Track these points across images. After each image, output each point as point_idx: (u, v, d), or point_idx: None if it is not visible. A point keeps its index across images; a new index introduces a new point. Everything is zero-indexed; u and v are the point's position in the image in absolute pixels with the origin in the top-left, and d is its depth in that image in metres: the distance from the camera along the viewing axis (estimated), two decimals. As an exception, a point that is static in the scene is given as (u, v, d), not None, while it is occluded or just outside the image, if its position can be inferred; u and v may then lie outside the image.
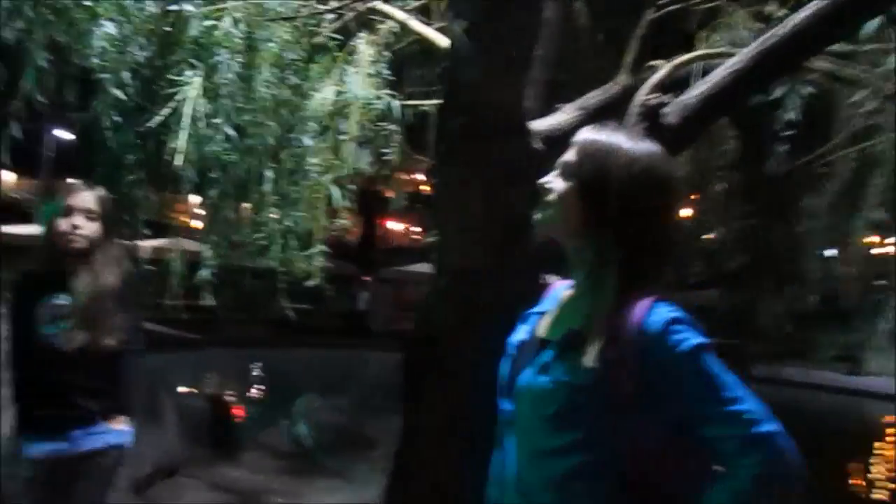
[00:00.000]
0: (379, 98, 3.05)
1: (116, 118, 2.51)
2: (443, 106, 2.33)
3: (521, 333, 1.32)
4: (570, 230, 1.23)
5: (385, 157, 3.30)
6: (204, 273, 2.61)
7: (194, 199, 2.89)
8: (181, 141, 2.14)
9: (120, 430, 2.41)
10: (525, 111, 2.17)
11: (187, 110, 2.16)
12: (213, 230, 2.74)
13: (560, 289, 1.33)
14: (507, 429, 1.25)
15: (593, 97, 2.48)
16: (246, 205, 2.83)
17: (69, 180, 2.36)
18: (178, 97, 2.19)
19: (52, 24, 2.23)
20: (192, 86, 2.18)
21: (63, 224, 2.31)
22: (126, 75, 2.51)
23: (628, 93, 2.39)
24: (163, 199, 2.94)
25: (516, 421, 1.23)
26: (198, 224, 2.83)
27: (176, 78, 2.24)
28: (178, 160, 2.16)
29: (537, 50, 2.29)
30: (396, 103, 3.02)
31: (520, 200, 1.89)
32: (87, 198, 2.35)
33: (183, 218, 2.82)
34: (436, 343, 2.46)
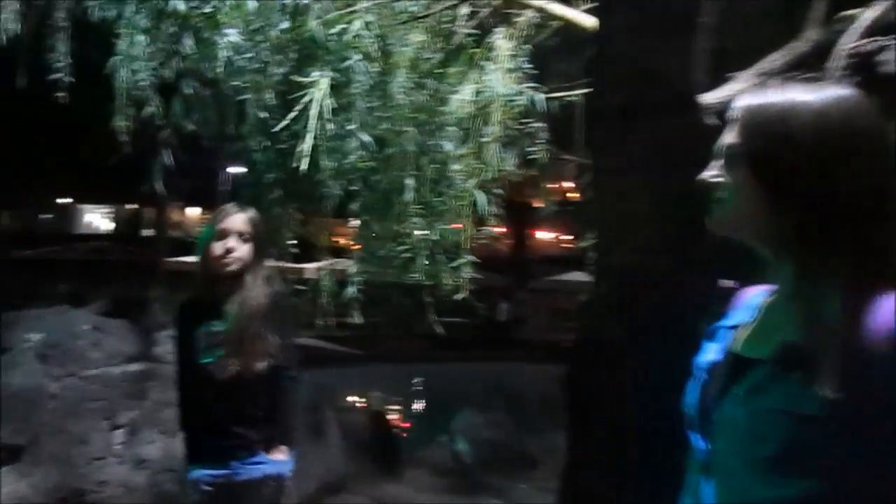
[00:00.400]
0: (521, 93, 2.84)
1: (260, 137, 2.51)
2: (595, 85, 2.06)
3: (711, 352, 1.01)
4: (758, 226, 0.91)
5: (531, 157, 3.07)
6: (350, 291, 2.51)
7: (340, 216, 2.82)
8: (306, 144, 2.04)
9: (279, 460, 2.34)
10: (694, 82, 1.84)
11: (313, 112, 2.06)
12: (358, 246, 2.64)
13: (756, 295, 1.01)
14: (701, 472, 0.95)
15: (775, 59, 2.08)
16: (389, 218, 2.71)
17: (224, 206, 2.33)
18: (304, 100, 2.10)
19: (175, 35, 2.23)
20: (318, 86, 2.08)
21: (217, 248, 2.29)
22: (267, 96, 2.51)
23: (820, 50, 1.98)
24: (308, 217, 2.91)
25: (714, 463, 0.94)
26: (344, 241, 2.75)
27: (302, 79, 2.16)
28: (304, 164, 2.06)
29: (700, 14, 1.97)
30: (540, 96, 2.79)
31: (693, 187, 1.57)
32: (238, 220, 2.32)
33: (330, 236, 2.76)
34: (600, 358, 2.18)
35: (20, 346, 4.02)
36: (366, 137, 2.33)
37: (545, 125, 3.05)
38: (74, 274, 18.42)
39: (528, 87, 2.82)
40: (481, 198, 2.89)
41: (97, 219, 38.24)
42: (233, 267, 2.28)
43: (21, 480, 3.32)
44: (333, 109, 2.22)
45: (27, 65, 3.51)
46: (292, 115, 2.13)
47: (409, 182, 2.58)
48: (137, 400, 3.87)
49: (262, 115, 2.67)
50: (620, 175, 1.90)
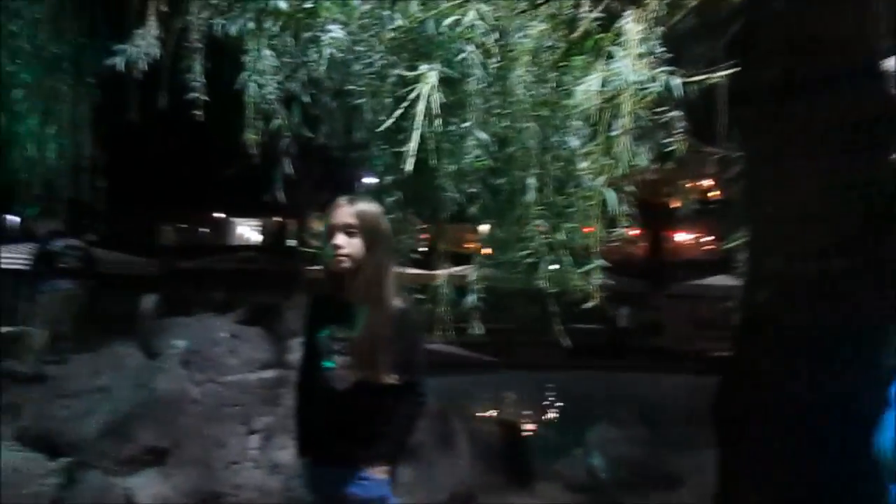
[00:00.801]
0: (654, 79, 2.57)
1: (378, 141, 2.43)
2: (744, 63, 1.77)
3: None
4: None
5: (667, 151, 2.78)
6: (471, 299, 2.36)
7: (459, 221, 2.68)
8: (412, 144, 1.91)
9: (379, 480, 2.21)
10: (872, 47, 1.52)
11: (420, 108, 1.93)
12: (479, 251, 2.50)
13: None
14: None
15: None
16: (511, 221, 2.54)
17: (338, 199, 2.19)
18: (410, 96, 1.97)
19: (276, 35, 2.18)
20: (425, 80, 1.95)
21: (329, 245, 2.16)
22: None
23: None
24: (427, 223, 2.80)
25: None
26: (465, 247, 2.61)
27: (408, 73, 2.04)
28: (409, 165, 1.93)
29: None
30: (677, 81, 2.50)
31: (877, 169, 1.27)
32: (343, 213, 2.16)
33: (450, 242, 2.62)
34: (756, 373, 1.88)
35: (167, 352, 4.25)
36: (483, 135, 2.17)
37: (682, 114, 2.76)
38: (225, 283, 19.80)
39: (662, 73, 2.54)
40: (611, 197, 2.65)
41: (248, 231, 41.10)
42: (344, 264, 2.15)
43: (164, 482, 3.48)
44: (449, 107, 2.09)
45: (168, 87, 3.69)
46: (398, 112, 2.01)
47: (532, 182, 2.40)
48: (271, 406, 3.96)
49: (376, 117, 2.60)
50: (776, 162, 1.61)
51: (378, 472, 2.24)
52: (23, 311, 6.56)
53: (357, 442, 2.21)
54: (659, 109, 2.68)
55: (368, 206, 2.23)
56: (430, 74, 1.94)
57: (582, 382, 12.94)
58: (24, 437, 4.40)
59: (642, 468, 6.35)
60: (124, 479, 3.48)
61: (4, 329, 6.60)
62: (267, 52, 3.39)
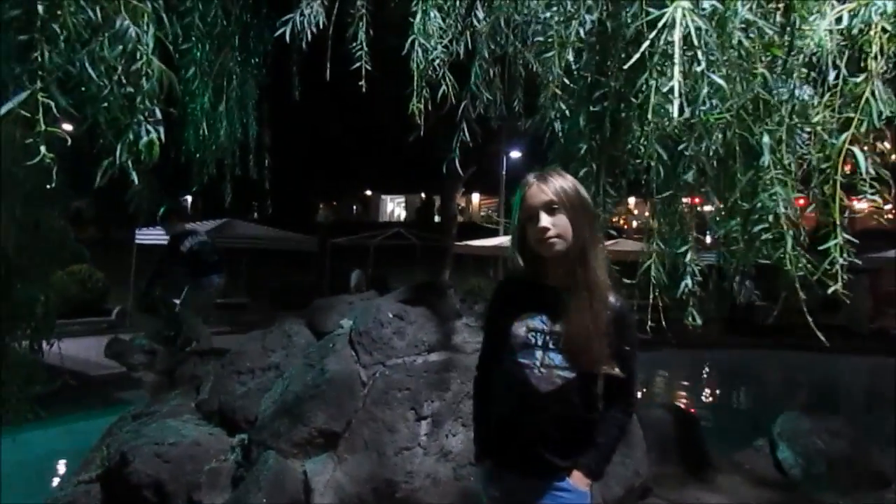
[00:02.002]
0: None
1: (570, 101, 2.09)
2: None
3: None
4: None
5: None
6: (687, 282, 1.97)
7: (662, 190, 2.27)
8: (675, 86, 1.51)
9: (580, 492, 1.93)
10: None
11: (676, 36, 1.51)
12: (691, 227, 2.09)
13: None
14: None
15: None
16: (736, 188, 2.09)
17: (528, 177, 1.94)
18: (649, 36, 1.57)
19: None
20: (677, 5, 1.53)
21: (531, 229, 1.91)
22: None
23: None
24: (623, 194, 2.42)
25: None
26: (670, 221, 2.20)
27: (652, 10, 1.64)
28: (675, 112, 1.53)
29: None
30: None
31: None
32: (541, 190, 1.90)
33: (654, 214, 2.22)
34: None
35: (335, 331, 4.20)
36: (719, 80, 1.74)
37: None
38: (377, 259, 20.44)
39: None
40: (859, 157, 2.12)
41: (395, 207, 42.41)
42: (558, 247, 1.87)
43: (337, 468, 3.41)
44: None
45: (334, 57, 3.57)
46: (634, 58, 1.63)
47: (766, 140, 1.94)
48: (439, 391, 3.78)
49: (559, 78, 2.25)
50: None
51: (580, 484, 1.94)
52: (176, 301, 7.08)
53: (559, 449, 1.91)
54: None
55: (566, 181, 1.91)
56: (681, 3, 1.52)
57: (753, 362, 11.85)
58: (202, 410, 4.57)
59: (842, 464, 5.60)
60: (301, 463, 3.45)
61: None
62: (434, 13, 3.15)
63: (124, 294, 14.57)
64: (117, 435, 4.52)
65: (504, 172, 21.49)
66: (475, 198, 39.98)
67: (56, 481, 5.20)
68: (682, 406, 7.95)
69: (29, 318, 3.27)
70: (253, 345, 4.61)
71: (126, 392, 7.28)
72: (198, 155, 4.72)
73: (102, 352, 6.80)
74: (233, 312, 15.18)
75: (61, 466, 5.77)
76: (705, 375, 10.93)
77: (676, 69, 1.49)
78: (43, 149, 1.77)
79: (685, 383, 10.27)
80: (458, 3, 3.40)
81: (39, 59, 1.78)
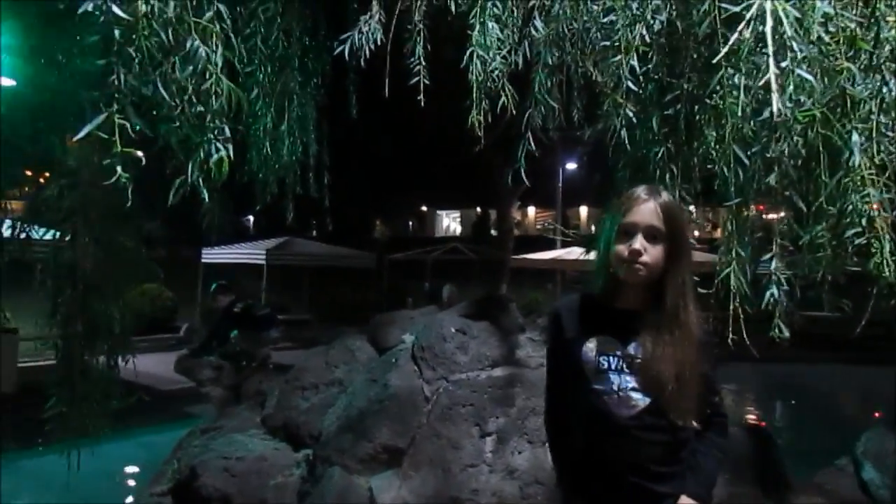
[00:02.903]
0: None
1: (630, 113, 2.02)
2: None
3: None
4: None
5: None
6: (773, 293, 1.86)
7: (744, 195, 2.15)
8: (771, 80, 1.41)
9: None
10: None
11: (768, 26, 1.42)
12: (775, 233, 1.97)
13: None
14: None
15: None
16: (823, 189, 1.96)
17: (633, 190, 1.80)
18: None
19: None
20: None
21: (620, 247, 1.77)
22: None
23: None
24: (701, 202, 2.31)
25: None
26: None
27: (727, 6, 1.55)
28: (776, 106, 1.44)
29: None
30: None
31: None
32: (648, 211, 1.75)
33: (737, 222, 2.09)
34: None
35: (397, 346, 4.19)
36: (807, 75, 1.64)
37: None
38: (434, 274, 20.48)
39: None
40: None
41: (451, 222, 42.54)
42: (641, 273, 1.75)
43: (403, 484, 3.37)
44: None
45: (390, 73, 3.58)
46: (723, 52, 1.54)
47: (856, 138, 1.82)
48: (504, 406, 3.71)
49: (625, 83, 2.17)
50: None
51: None
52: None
53: (653, 474, 1.79)
54: None
55: (674, 205, 1.80)
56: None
57: (829, 377, 11.29)
58: (268, 424, 4.62)
59: (935, 488, 5.23)
60: (366, 479, 3.43)
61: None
62: (492, 24, 3.13)
63: (192, 310, 15.02)
64: (187, 449, 4.61)
65: (560, 185, 21.27)
66: (531, 211, 39.73)
67: (131, 494, 5.35)
68: (759, 425, 7.61)
69: (106, 335, 3.38)
70: (316, 360, 4.65)
71: (195, 407, 7.46)
72: (261, 175, 4.82)
73: (172, 367, 7.00)
74: (294, 328, 15.45)
75: (136, 479, 5.93)
76: (784, 391, 10.46)
77: (771, 62, 1.40)
78: (119, 169, 1.81)
79: (763, 400, 9.85)
80: (516, 12, 3.37)
81: (116, 83, 1.82)
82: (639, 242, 1.72)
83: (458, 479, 3.43)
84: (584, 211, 37.23)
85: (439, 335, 3.89)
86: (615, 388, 1.78)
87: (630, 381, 1.77)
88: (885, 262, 1.79)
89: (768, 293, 1.85)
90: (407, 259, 21.85)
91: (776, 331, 1.85)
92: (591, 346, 1.82)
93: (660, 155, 2.10)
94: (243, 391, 6.02)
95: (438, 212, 42.06)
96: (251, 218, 33.68)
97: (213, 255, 16.37)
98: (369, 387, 3.86)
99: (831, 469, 5.80)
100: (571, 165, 22.42)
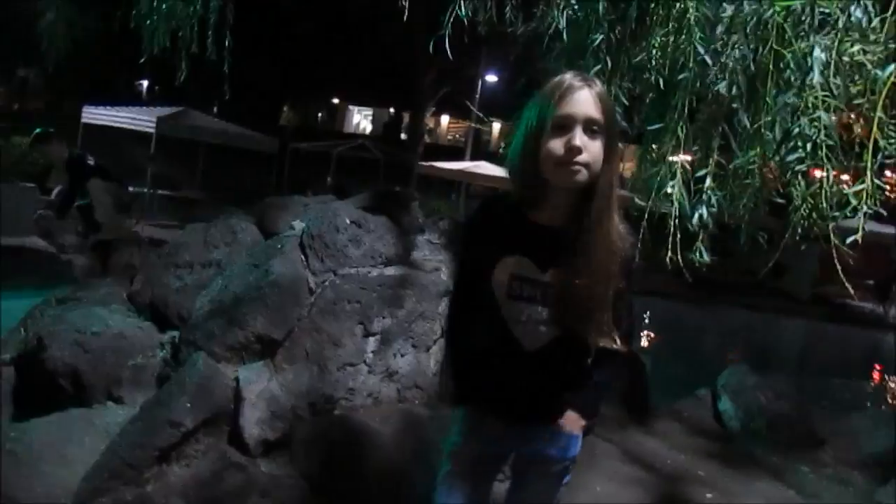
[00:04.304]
0: None
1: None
2: None
3: None
4: None
5: None
6: (704, 211, 1.69)
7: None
8: None
9: (571, 436, 1.73)
10: None
11: None
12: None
13: None
14: None
15: None
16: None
17: (566, 76, 1.50)
18: None
19: None
20: None
21: (555, 144, 1.49)
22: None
23: None
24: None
25: None
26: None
27: None
28: None
29: None
30: None
31: None
32: (587, 99, 1.47)
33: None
34: None
35: (285, 232, 3.86)
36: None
37: None
38: (338, 169, 19.84)
39: None
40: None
41: (362, 119, 41.23)
42: (580, 177, 1.49)
43: (273, 377, 3.14)
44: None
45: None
46: None
47: (818, 54, 1.62)
48: (392, 307, 3.51)
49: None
50: None
51: (572, 425, 1.71)
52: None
53: (548, 400, 1.67)
54: None
55: (607, 94, 1.54)
56: None
57: (698, 315, 12.00)
58: (134, 302, 4.23)
59: (782, 422, 5.64)
60: (233, 368, 3.16)
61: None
62: None
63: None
64: (38, 318, 4.15)
65: (478, 97, 20.82)
66: (444, 119, 39.11)
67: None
68: (634, 352, 7.94)
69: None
70: (194, 237, 4.24)
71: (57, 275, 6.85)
72: (149, 22, 4.23)
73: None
74: (184, 206, 14.58)
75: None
76: (655, 324, 11.03)
77: None
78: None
79: (639, 329, 10.31)
80: None
81: None
82: (578, 138, 1.46)
83: (334, 377, 3.23)
84: (496, 126, 37.05)
85: (332, 225, 3.59)
86: (524, 318, 1.60)
87: (542, 313, 1.59)
88: (824, 192, 1.65)
89: (697, 213, 1.68)
90: (312, 150, 21.02)
91: (697, 255, 1.69)
92: (504, 268, 1.60)
93: (599, 42, 1.83)
94: (111, 263, 5.52)
95: (350, 107, 40.60)
96: (145, 83, 31.14)
97: (96, 115, 14.92)
98: (249, 271, 3.54)
99: (692, 398, 6.14)
100: (492, 78, 21.94)
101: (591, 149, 1.47)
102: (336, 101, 39.48)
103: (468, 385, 1.76)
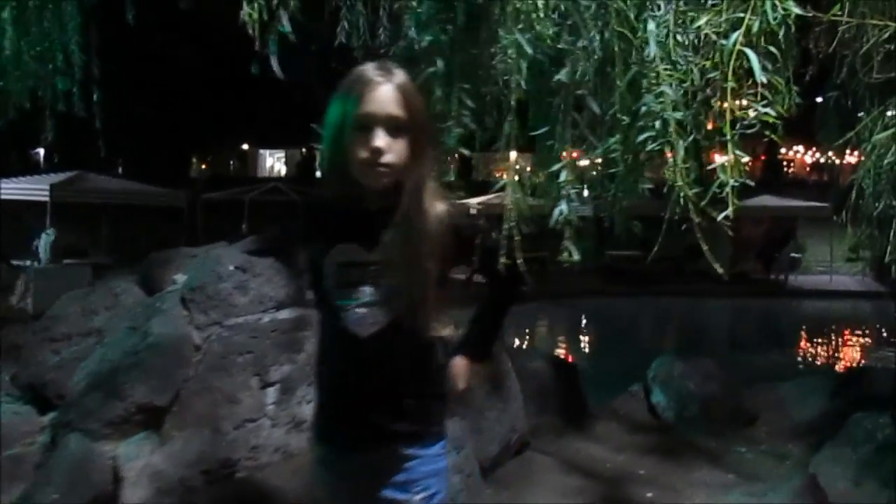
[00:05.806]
0: None
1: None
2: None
3: None
4: None
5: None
6: (564, 208, 1.58)
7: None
8: None
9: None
10: None
11: None
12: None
13: None
14: None
15: None
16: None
17: (365, 69, 1.42)
18: None
19: None
20: None
21: (358, 145, 1.41)
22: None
23: None
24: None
25: None
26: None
27: None
28: None
29: None
30: None
31: None
32: (387, 96, 1.39)
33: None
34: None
35: (166, 288, 3.58)
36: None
37: None
38: (252, 214, 19.32)
39: None
40: (752, 58, 1.79)
41: (275, 162, 40.60)
42: (385, 180, 1.42)
43: (160, 449, 2.85)
44: None
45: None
46: None
47: (652, 27, 1.55)
48: (290, 352, 3.28)
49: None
50: None
51: (462, 372, 1.62)
52: None
53: (393, 407, 1.51)
54: None
55: (412, 86, 1.45)
56: None
57: (632, 310, 12.17)
58: (15, 383, 3.85)
59: (714, 405, 5.66)
60: (113, 446, 2.85)
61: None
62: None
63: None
64: None
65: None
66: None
67: None
68: (561, 357, 7.90)
69: None
70: (72, 307, 3.90)
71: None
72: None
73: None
74: (95, 273, 13.80)
75: None
76: (583, 325, 11.09)
77: None
78: None
79: (563, 334, 10.32)
80: None
81: None
82: (380, 139, 1.38)
83: (231, 438, 2.97)
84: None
85: (214, 274, 3.34)
86: (354, 303, 1.49)
87: (371, 294, 1.48)
88: (677, 169, 1.57)
89: (557, 210, 1.57)
90: (224, 199, 20.41)
91: (567, 254, 1.57)
92: (331, 261, 1.50)
93: (431, 41, 1.71)
94: (-2, 345, 5.05)
95: (261, 151, 39.97)
96: (41, 151, 29.73)
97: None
98: (128, 336, 3.24)
99: (626, 395, 6.11)
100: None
101: (395, 148, 1.38)
102: (245, 146, 38.83)
103: (321, 394, 1.62)
